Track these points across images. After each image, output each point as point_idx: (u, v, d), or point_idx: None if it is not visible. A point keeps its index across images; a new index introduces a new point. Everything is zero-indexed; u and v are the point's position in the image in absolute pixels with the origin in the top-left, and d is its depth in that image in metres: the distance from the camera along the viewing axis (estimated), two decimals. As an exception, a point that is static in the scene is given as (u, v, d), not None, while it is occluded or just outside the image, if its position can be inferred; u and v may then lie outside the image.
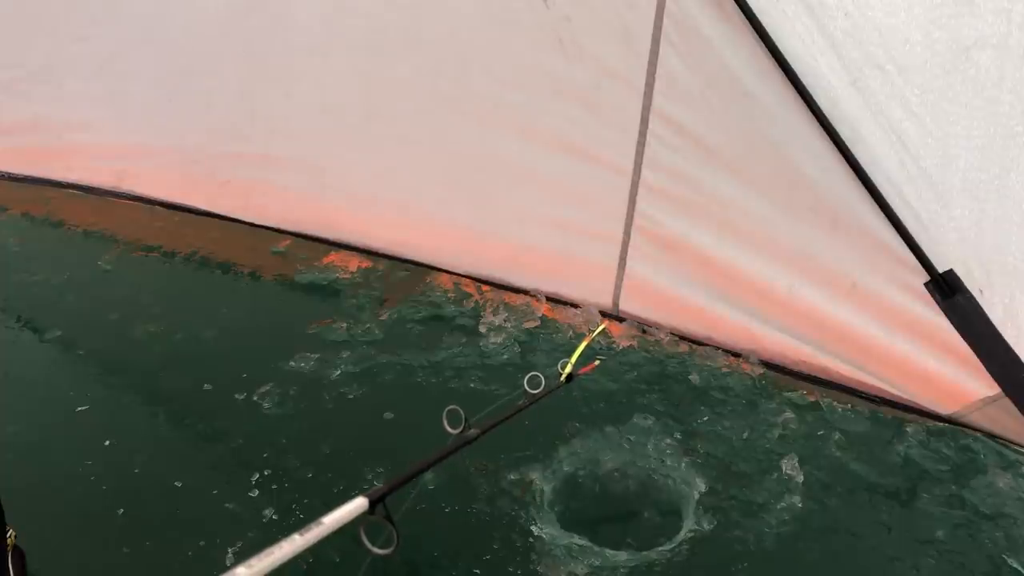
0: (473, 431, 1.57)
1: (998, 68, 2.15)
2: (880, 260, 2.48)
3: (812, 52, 2.28)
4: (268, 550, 0.92)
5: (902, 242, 2.38)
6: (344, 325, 3.18)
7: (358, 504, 1.15)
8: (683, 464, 2.45)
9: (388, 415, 2.67)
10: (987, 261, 2.33)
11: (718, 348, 2.97)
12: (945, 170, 2.29)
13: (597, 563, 2.10)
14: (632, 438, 2.55)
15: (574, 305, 3.26)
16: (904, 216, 2.35)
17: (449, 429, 1.55)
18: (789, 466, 2.43)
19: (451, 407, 1.55)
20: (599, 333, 2.25)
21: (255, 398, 2.75)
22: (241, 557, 2.19)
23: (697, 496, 2.34)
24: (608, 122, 2.80)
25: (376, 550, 1.18)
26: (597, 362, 2.34)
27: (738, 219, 2.72)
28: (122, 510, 2.31)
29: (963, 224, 2.32)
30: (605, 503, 2.36)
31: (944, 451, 2.54)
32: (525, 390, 1.91)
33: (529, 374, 1.92)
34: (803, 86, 2.31)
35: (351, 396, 2.77)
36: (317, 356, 2.95)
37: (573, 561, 2.11)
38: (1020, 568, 2.15)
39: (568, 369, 2.10)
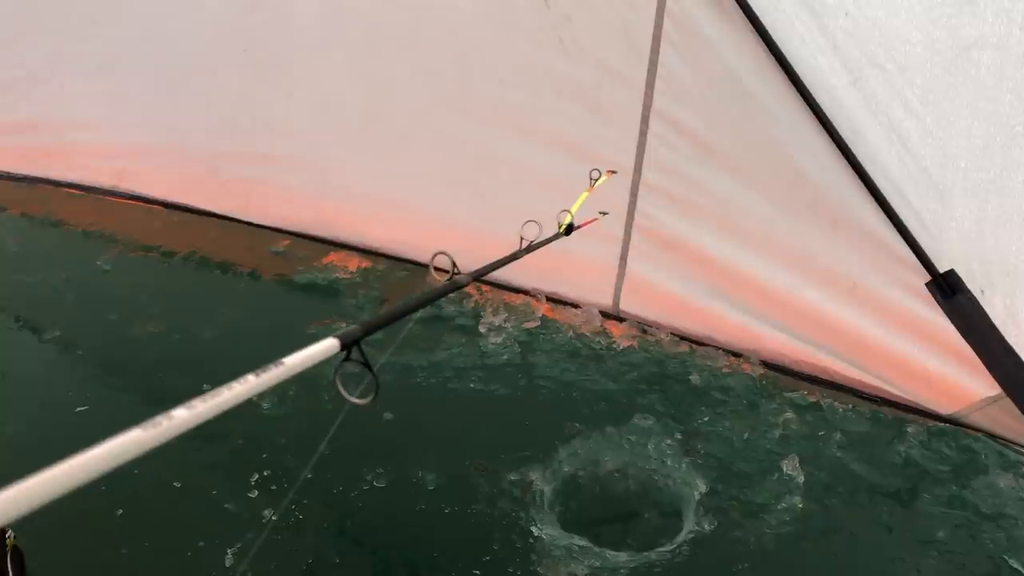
0: (463, 276, 1.43)
1: (999, 68, 2.15)
2: (881, 260, 2.47)
3: (813, 52, 2.28)
4: (216, 390, 0.77)
5: (903, 242, 2.37)
6: (344, 325, 3.16)
7: (328, 345, 0.99)
8: (683, 464, 2.44)
9: (388, 415, 2.66)
10: (988, 261, 2.33)
11: (718, 348, 2.97)
12: (946, 170, 2.28)
13: (597, 564, 2.10)
14: (632, 438, 2.54)
15: (574, 305, 3.26)
16: (905, 216, 2.35)
17: (436, 276, 1.41)
18: (790, 466, 2.42)
19: (439, 252, 1.45)
20: (602, 182, 2.12)
21: (255, 398, 2.74)
22: (241, 557, 2.20)
23: (697, 497, 2.33)
24: (609, 121, 2.80)
25: (353, 399, 1.06)
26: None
27: (739, 219, 2.71)
28: (122, 510, 2.30)
29: (964, 224, 2.32)
30: (605, 504, 2.36)
31: (945, 451, 2.53)
32: (521, 237, 1.80)
33: (526, 221, 1.77)
34: (804, 86, 2.31)
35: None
36: (317, 356, 2.94)
37: (573, 562, 2.10)
38: (1021, 568, 2.14)
39: (568, 219, 2.01)
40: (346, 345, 1.03)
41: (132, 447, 0.67)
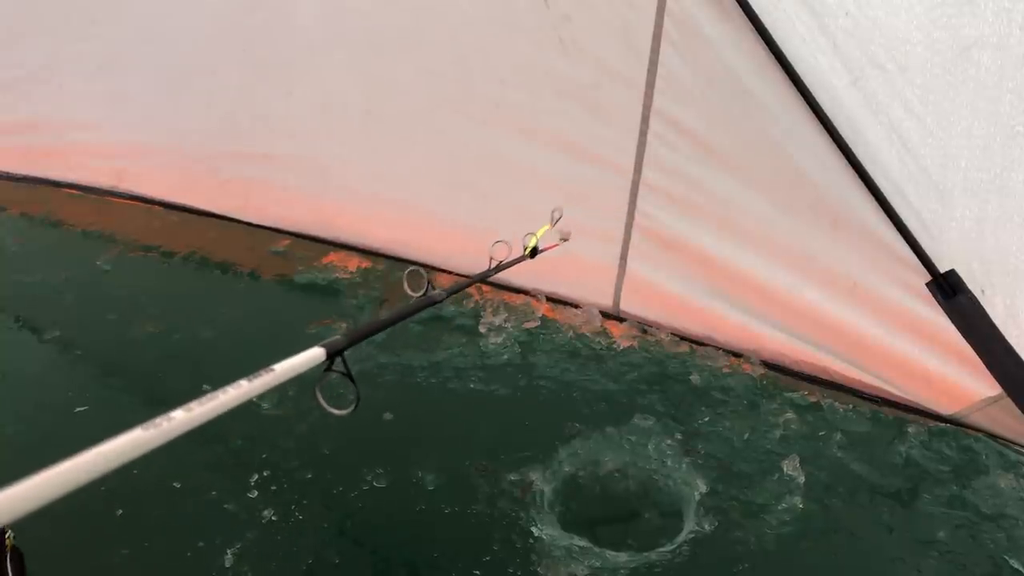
0: (438, 292, 1.49)
1: (999, 68, 2.15)
2: (881, 260, 2.47)
3: (813, 51, 2.28)
4: (212, 394, 0.80)
5: (903, 242, 2.37)
6: (344, 325, 3.17)
7: (315, 354, 1.03)
8: (684, 465, 2.44)
9: (388, 415, 2.66)
10: (988, 261, 2.33)
11: (718, 348, 2.97)
12: (946, 169, 2.28)
13: (597, 564, 2.10)
14: (632, 439, 2.54)
15: (574, 305, 3.26)
16: (905, 216, 2.35)
17: (410, 292, 1.46)
18: (790, 467, 2.42)
19: (412, 268, 1.49)
20: (558, 221, 2.24)
21: (255, 398, 2.74)
22: (240, 558, 2.20)
23: (698, 497, 2.33)
24: (609, 121, 2.80)
25: (334, 410, 1.08)
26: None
27: (739, 218, 2.71)
28: (121, 511, 2.30)
29: (964, 224, 2.32)
30: (605, 504, 2.36)
31: (945, 452, 2.53)
32: (490, 256, 1.93)
33: (495, 242, 1.91)
34: (804, 85, 2.31)
35: (350, 396, 2.76)
36: (317, 356, 2.94)
37: (573, 562, 2.10)
38: (1021, 568, 2.14)
39: (533, 242, 2.11)
40: (331, 354, 1.05)
41: (134, 447, 0.68)
